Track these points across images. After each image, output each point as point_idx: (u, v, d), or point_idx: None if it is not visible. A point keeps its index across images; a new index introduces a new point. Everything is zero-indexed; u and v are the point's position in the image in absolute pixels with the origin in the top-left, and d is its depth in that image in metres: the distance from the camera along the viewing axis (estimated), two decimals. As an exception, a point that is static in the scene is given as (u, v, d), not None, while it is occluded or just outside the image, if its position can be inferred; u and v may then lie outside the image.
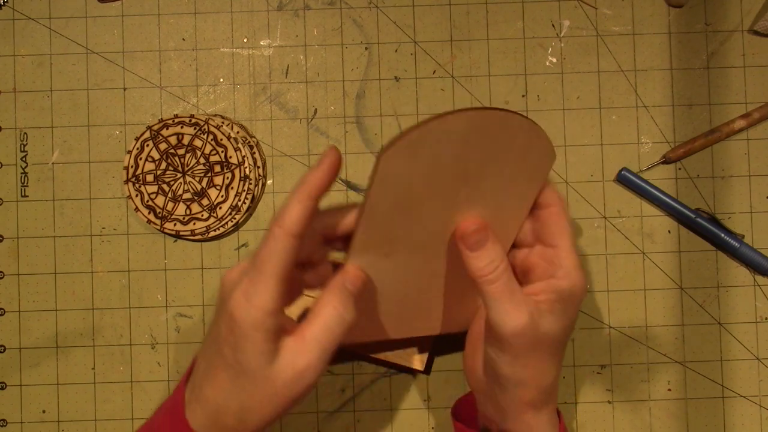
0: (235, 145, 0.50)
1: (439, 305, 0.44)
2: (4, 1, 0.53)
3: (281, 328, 0.35)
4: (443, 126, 0.35)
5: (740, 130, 0.52)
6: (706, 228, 0.51)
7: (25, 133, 0.53)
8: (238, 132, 0.51)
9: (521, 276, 0.40)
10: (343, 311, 0.35)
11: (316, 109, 0.53)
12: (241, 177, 0.50)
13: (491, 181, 0.38)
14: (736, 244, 0.51)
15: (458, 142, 0.36)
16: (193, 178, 0.51)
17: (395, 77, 0.53)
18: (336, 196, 0.52)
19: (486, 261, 0.37)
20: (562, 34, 0.53)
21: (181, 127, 0.51)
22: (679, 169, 0.52)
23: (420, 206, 0.38)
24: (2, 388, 0.52)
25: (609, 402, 0.52)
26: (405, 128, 0.36)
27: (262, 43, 0.53)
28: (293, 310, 0.48)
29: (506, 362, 0.37)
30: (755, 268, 0.52)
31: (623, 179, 0.52)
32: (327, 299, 0.36)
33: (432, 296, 0.43)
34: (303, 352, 0.34)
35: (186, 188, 0.51)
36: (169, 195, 0.51)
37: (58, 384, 0.52)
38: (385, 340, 0.44)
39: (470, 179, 0.38)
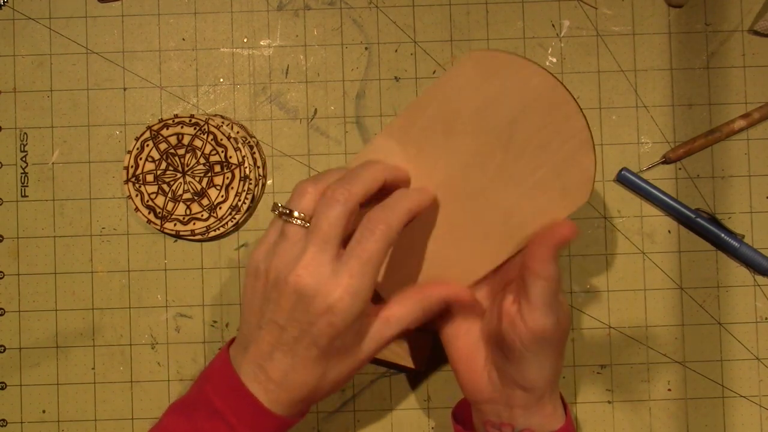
0: (235, 145, 0.50)
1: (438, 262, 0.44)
2: (4, 1, 0.53)
3: None
4: (526, 69, 0.38)
5: (740, 130, 0.52)
6: (706, 228, 0.51)
7: (25, 133, 0.53)
8: (238, 132, 0.51)
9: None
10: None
11: (316, 109, 0.53)
12: (241, 177, 0.50)
13: (525, 167, 0.40)
14: (736, 244, 0.51)
15: (522, 99, 0.39)
16: (193, 178, 0.51)
17: (395, 77, 0.53)
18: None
19: (556, 264, 0.39)
20: (562, 34, 0.53)
21: (181, 127, 0.51)
22: (679, 169, 0.52)
23: (459, 134, 0.41)
24: (2, 388, 0.52)
25: (609, 402, 0.52)
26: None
27: (262, 43, 0.53)
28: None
29: (537, 360, 0.40)
30: (755, 268, 0.52)
31: (623, 179, 0.52)
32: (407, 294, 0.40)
33: (437, 248, 0.44)
34: (386, 329, 0.39)
35: (186, 188, 0.51)
36: (169, 195, 0.51)
37: (58, 384, 0.52)
38: None
39: (510, 148, 0.40)
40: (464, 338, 0.44)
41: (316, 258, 0.37)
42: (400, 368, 0.52)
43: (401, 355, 0.50)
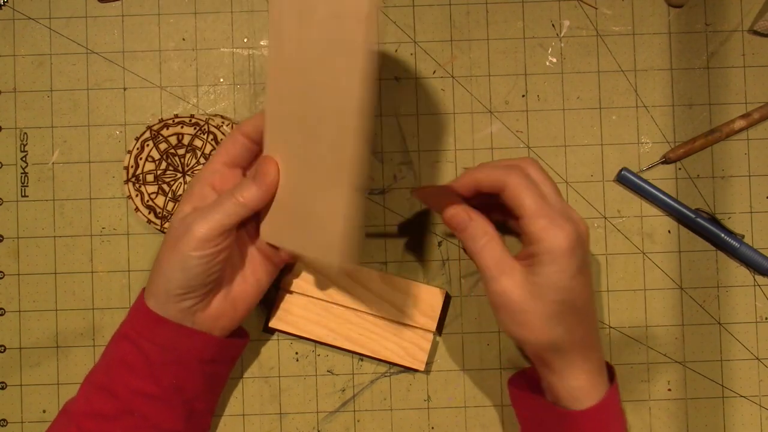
0: (235, 145, 0.50)
1: None
2: (4, 1, 0.53)
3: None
4: None
5: (740, 130, 0.52)
6: (706, 228, 0.51)
7: (25, 133, 0.53)
8: (238, 132, 0.51)
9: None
10: (242, 199, 0.42)
11: (316, 109, 0.53)
12: (241, 177, 0.51)
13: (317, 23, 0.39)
14: (736, 244, 0.51)
15: None
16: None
17: (395, 77, 0.53)
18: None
19: (471, 237, 0.42)
20: (562, 34, 0.53)
21: (181, 127, 0.51)
22: (679, 169, 0.52)
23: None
24: (2, 388, 0.52)
25: (609, 402, 0.52)
26: None
27: (262, 43, 0.53)
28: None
29: (505, 322, 0.41)
30: (755, 268, 0.52)
31: (623, 179, 0.52)
32: (234, 188, 0.43)
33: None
34: (202, 221, 0.41)
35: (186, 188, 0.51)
36: (169, 195, 0.51)
37: (58, 384, 0.52)
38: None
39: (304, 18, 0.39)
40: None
41: None
42: (400, 368, 0.52)
43: (401, 355, 0.50)
